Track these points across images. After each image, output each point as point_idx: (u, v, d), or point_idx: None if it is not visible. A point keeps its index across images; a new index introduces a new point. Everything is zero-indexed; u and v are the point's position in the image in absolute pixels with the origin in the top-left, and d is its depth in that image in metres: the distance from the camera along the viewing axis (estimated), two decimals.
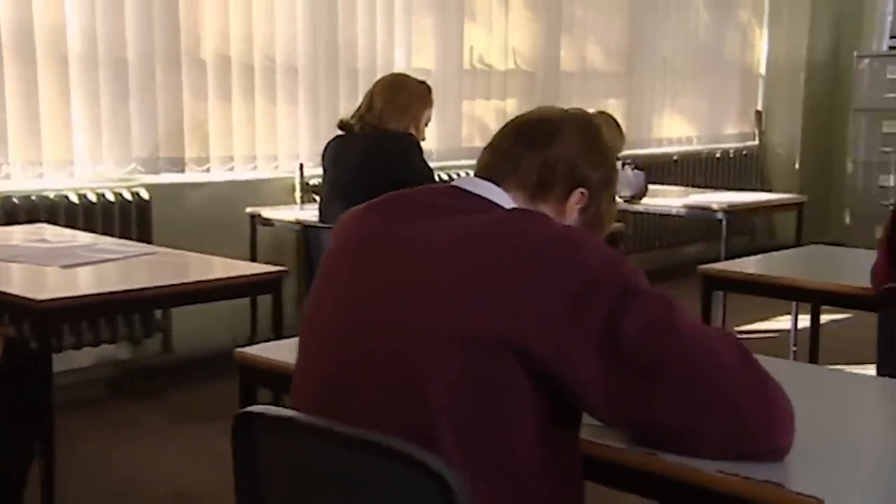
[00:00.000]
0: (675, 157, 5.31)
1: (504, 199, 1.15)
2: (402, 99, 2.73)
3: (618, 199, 3.84)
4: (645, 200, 3.71)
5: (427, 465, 0.89)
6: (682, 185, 5.06)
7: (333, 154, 2.83)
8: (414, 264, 1.04)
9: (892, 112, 5.12)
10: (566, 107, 4.33)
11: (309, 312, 1.12)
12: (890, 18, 5.31)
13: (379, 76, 3.03)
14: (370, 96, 2.78)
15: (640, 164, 5.08)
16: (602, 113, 3.92)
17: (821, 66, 5.79)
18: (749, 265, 2.17)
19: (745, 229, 5.68)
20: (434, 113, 4.34)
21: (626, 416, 1.00)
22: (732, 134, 5.79)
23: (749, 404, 0.97)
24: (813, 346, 2.62)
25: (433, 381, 0.97)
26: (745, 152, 5.73)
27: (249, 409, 1.01)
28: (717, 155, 5.55)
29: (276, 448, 1.01)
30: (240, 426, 1.01)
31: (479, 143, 4.69)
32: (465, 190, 1.15)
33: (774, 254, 2.42)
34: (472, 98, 4.52)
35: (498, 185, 1.17)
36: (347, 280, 1.08)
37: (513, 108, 4.68)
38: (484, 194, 1.14)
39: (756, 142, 5.88)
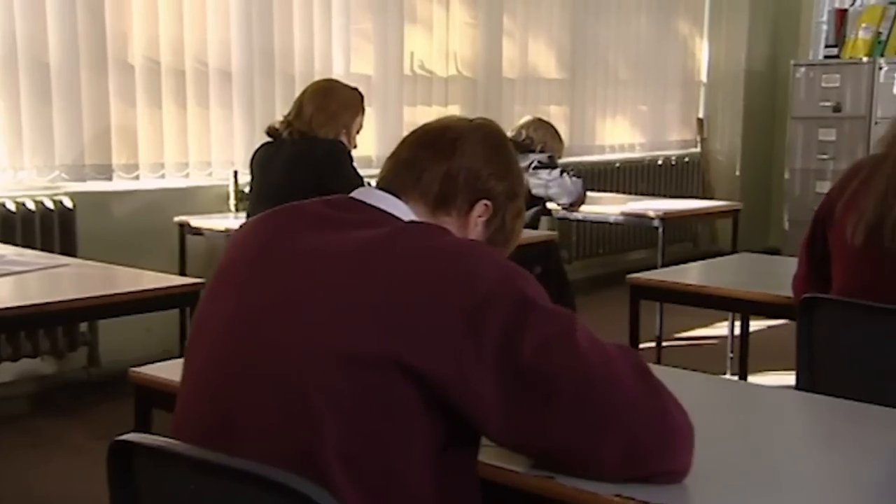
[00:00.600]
0: (617, 164, 5.33)
1: (403, 211, 1.10)
2: (332, 106, 2.68)
3: (556, 206, 3.82)
4: (584, 208, 3.70)
5: (309, 496, 0.84)
6: (624, 192, 5.10)
7: (261, 161, 2.76)
8: (304, 280, 0.99)
9: (827, 120, 5.22)
10: (509, 113, 4.32)
11: (193, 331, 1.06)
12: (825, 28, 5.41)
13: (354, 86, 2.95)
14: (299, 102, 2.72)
15: (581, 171, 5.12)
16: (541, 120, 3.91)
17: (759, 74, 5.88)
18: (676, 274, 2.16)
19: (688, 236, 5.74)
20: (374, 119, 4.36)
21: (523, 438, 0.96)
22: (675, 141, 5.84)
23: (646, 425, 0.94)
24: (742, 355, 2.63)
25: (319, 405, 0.92)
26: (686, 159, 5.78)
27: (124, 437, 0.95)
28: (660, 162, 5.60)
29: (153, 479, 0.95)
30: (114, 455, 0.95)
31: None
32: (363, 202, 1.10)
33: (703, 262, 2.42)
34: (412, 104, 4.47)
35: (399, 197, 1.12)
36: (234, 297, 1.03)
37: (455, 113, 4.66)
38: (382, 206, 1.10)
39: (698, 149, 5.94)
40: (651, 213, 3.49)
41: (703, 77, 5.95)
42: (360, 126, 2.80)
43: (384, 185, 1.15)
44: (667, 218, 3.47)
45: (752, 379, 2.71)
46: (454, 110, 4.65)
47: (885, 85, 5.02)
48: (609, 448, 0.94)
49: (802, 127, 5.30)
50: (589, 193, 4.17)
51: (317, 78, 3.56)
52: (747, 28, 5.75)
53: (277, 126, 2.75)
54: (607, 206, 3.70)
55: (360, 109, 2.76)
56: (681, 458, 0.95)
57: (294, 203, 1.12)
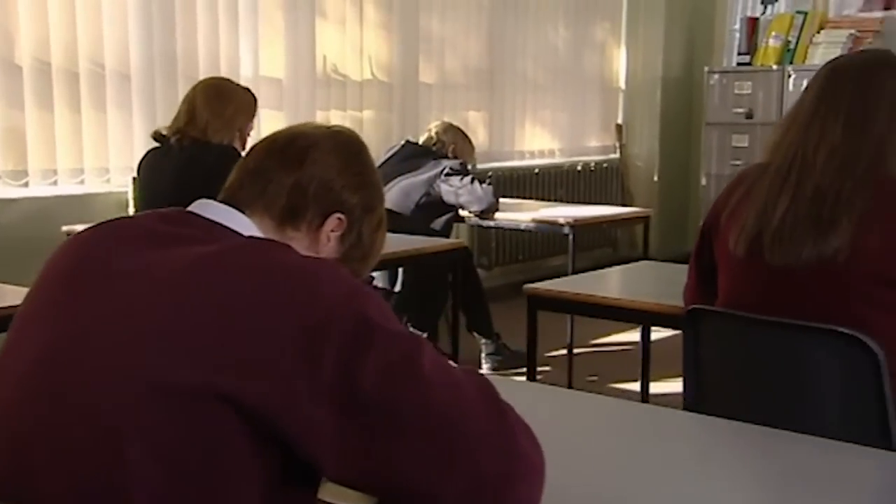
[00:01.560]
0: (536, 171, 5.32)
1: (245, 225, 1.02)
2: (228, 111, 2.56)
3: (468, 214, 3.76)
4: (497, 215, 3.66)
5: None
6: (543, 198, 5.09)
7: (149, 167, 2.63)
8: (120, 303, 0.89)
9: (740, 126, 5.31)
10: (426, 118, 4.19)
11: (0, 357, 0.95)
12: (738, 36, 5.51)
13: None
14: (191, 106, 2.58)
15: (500, 177, 5.10)
16: (451, 124, 3.86)
17: (676, 81, 5.96)
18: (573, 284, 2.12)
19: (607, 241, 5.77)
20: (286, 124, 4.22)
21: (364, 474, 0.88)
22: (594, 147, 5.87)
23: (493, 459, 0.87)
24: (644, 365, 2.62)
25: (130, 443, 0.82)
26: (605, 165, 5.82)
27: None
28: (579, 168, 5.61)
29: None
30: None
31: None
32: (199, 216, 1.01)
33: (604, 271, 2.39)
34: (326, 108, 4.37)
35: (242, 210, 1.04)
36: (46, 319, 0.92)
37: (370, 119, 4.57)
38: (221, 220, 1.01)
39: (617, 155, 5.98)
40: (561, 220, 3.47)
41: (622, 83, 5.99)
42: (251, 129, 2.69)
43: (227, 197, 1.06)
44: (577, 225, 3.45)
45: (657, 387, 2.70)
46: (369, 115, 4.56)
47: (794, 92, 5.12)
48: (455, 484, 0.86)
49: (716, 133, 5.38)
50: (507, 200, 4.14)
51: None
52: (663, 35, 5.82)
53: (164, 131, 2.61)
54: (519, 214, 3.66)
55: (254, 112, 2.65)
56: (529, 494, 0.89)
57: (122, 217, 1.02)
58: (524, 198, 4.97)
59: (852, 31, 5.05)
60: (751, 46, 5.43)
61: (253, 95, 2.69)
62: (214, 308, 0.86)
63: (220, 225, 1.00)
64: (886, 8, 5.14)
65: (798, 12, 5.30)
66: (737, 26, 5.56)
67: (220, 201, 1.05)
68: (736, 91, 5.34)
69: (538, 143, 5.51)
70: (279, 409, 0.84)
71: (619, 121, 6.02)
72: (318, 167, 1.07)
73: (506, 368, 3.84)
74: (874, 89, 1.59)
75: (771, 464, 1.11)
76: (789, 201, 1.58)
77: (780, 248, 1.56)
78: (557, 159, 5.57)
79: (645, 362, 2.59)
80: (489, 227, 4.29)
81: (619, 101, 6.01)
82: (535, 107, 5.46)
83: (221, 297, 0.87)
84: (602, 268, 2.54)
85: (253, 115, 2.65)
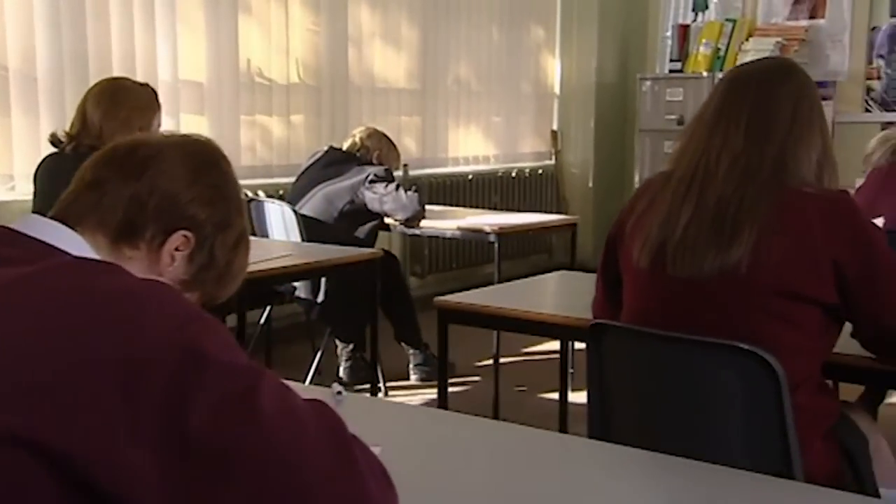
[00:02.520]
0: (470, 177, 5.26)
1: (74, 243, 0.92)
2: (122, 112, 2.42)
3: (392, 222, 3.66)
4: (423, 223, 3.58)
5: None
6: (477, 205, 5.03)
7: (46, 173, 2.48)
8: None
9: (672, 133, 5.32)
10: (357, 123, 4.05)
11: None
12: (670, 42, 5.54)
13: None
14: (82, 112, 2.43)
15: (433, 183, 5.03)
16: (376, 130, 3.77)
17: (610, 87, 5.97)
18: (482, 297, 2.05)
19: (543, 247, 5.74)
20: (207, 129, 4.10)
21: None
22: (529, 153, 5.84)
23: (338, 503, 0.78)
24: (562, 376, 2.56)
25: None
26: (540, 171, 5.79)
27: None
28: (513, 174, 5.57)
29: None
30: None
31: (261, 161, 4.45)
32: (21, 233, 0.91)
33: (520, 281, 2.32)
34: (251, 113, 4.25)
35: (73, 226, 0.94)
36: None
37: (299, 123, 4.46)
38: (47, 238, 0.90)
39: (552, 161, 5.96)
40: (487, 229, 3.41)
41: (557, 89, 5.98)
42: (158, 128, 2.54)
43: (58, 211, 0.96)
44: (502, 233, 3.39)
45: (576, 397, 2.65)
46: (297, 120, 4.45)
47: None
48: None
49: (649, 139, 5.40)
50: (434, 207, 4.07)
51: None
52: (597, 41, 5.83)
53: (62, 137, 2.47)
54: (445, 221, 3.59)
55: (155, 109, 2.50)
56: None
57: None
58: (457, 205, 4.91)
59: (779, 38, 5.12)
60: (682, 53, 5.47)
61: (151, 91, 2.54)
62: (18, 338, 0.76)
63: (45, 243, 0.90)
64: (812, 17, 5.22)
65: (727, 20, 5.35)
66: (668, 33, 5.59)
67: (52, 217, 0.95)
68: (668, 98, 5.37)
69: (472, 150, 5.45)
70: (93, 455, 0.74)
71: (555, 127, 6.00)
72: (161, 179, 0.97)
73: (434, 379, 3.76)
74: (775, 97, 1.56)
75: (658, 497, 1.04)
76: (692, 211, 1.53)
77: (682, 260, 1.51)
78: (492, 166, 5.52)
79: (563, 375, 2.53)
80: (417, 236, 4.22)
81: (554, 107, 6.00)
82: (469, 112, 5.40)
83: (27, 326, 0.77)
84: (536, 274, 2.48)
85: (155, 113, 2.49)
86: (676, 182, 1.58)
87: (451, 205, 4.87)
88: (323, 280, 3.38)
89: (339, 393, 1.29)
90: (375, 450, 1.09)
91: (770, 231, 1.47)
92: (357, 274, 3.16)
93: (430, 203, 4.78)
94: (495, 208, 5.10)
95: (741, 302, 1.47)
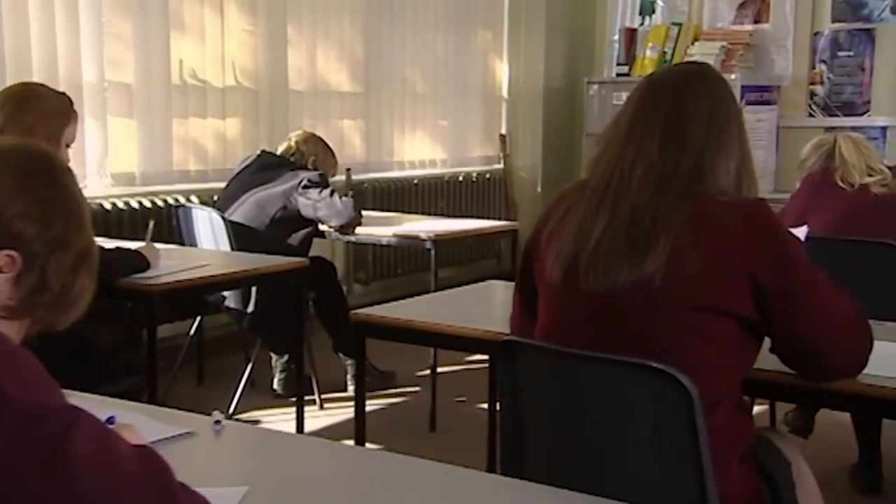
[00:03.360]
0: (416, 181, 5.17)
1: None
2: (28, 118, 2.28)
3: (327, 228, 3.56)
4: (359, 230, 3.48)
5: None
6: (424, 211, 4.94)
7: None
8: None
9: None
10: (296, 127, 3.89)
11: None
12: (617, 46, 5.51)
13: (62, 90, 2.53)
14: None
15: (378, 188, 4.93)
16: (312, 134, 3.67)
17: (558, 91, 5.92)
18: (399, 310, 1.95)
19: (492, 252, 5.67)
20: (137, 132, 3.95)
21: None
22: (477, 157, 5.76)
23: None
24: (491, 392, 2.48)
25: None
26: (488, 176, 5.72)
27: None
28: (461, 178, 5.49)
29: None
30: None
31: (195, 165, 4.31)
32: None
33: (449, 291, 2.23)
34: (184, 116, 4.10)
35: None
36: None
37: (235, 127, 4.33)
38: None
39: (501, 165, 5.90)
40: (423, 235, 3.31)
41: (505, 93, 5.92)
42: (72, 138, 2.41)
43: None
44: (439, 240, 3.30)
45: None
46: (234, 123, 4.32)
47: None
48: None
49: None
50: (373, 213, 3.98)
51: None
52: (544, 45, 5.77)
53: None
54: (381, 228, 3.49)
55: (69, 119, 2.37)
56: None
57: None
58: (403, 211, 4.82)
59: (724, 43, 5.12)
60: (629, 57, 5.44)
61: (67, 100, 2.41)
62: None
63: None
64: (756, 21, 5.23)
65: (674, 24, 5.34)
66: (616, 37, 5.56)
67: None
68: (615, 102, 5.32)
69: (419, 154, 5.36)
70: None
71: (503, 131, 5.94)
72: None
73: (373, 390, 3.65)
74: (691, 103, 1.49)
75: None
76: (606, 222, 1.46)
77: (596, 273, 1.44)
78: (439, 170, 5.44)
79: (491, 390, 2.45)
80: (363, 243, 4.12)
81: (503, 110, 5.93)
82: (416, 116, 5.31)
83: None
84: (482, 280, 2.40)
85: (67, 122, 2.36)
86: (590, 192, 1.51)
87: (397, 210, 4.78)
88: (253, 290, 3.26)
89: (218, 422, 1.19)
90: (241, 490, 0.99)
91: (685, 242, 1.40)
92: (288, 283, 3.05)
93: (376, 209, 4.69)
94: (442, 214, 5.01)
95: (655, 317, 1.40)
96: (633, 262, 1.41)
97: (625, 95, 5.61)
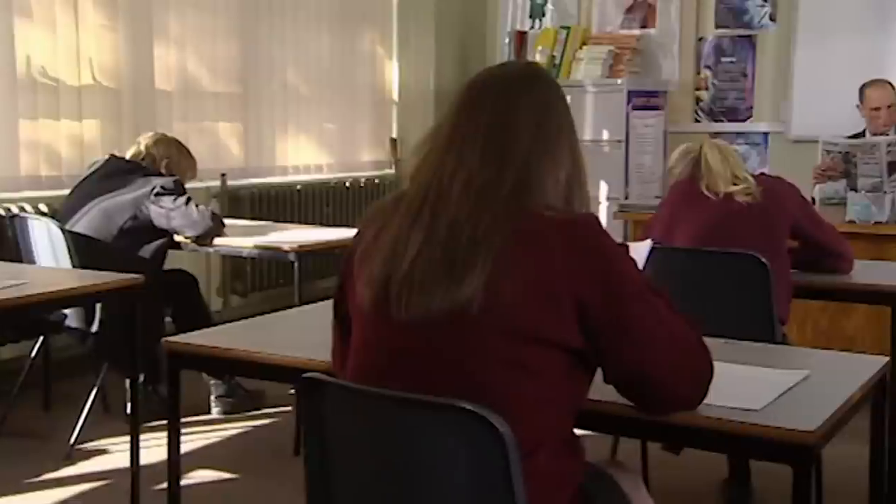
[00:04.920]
0: (298, 187, 4.93)
1: None
2: None
3: (183, 239, 3.29)
4: (218, 241, 3.23)
5: None
6: (305, 219, 4.72)
7: None
8: None
9: None
10: (166, 130, 3.57)
11: None
12: (507, 50, 5.42)
13: None
14: None
15: (257, 194, 4.67)
16: (165, 135, 3.40)
17: (448, 94, 5.76)
18: (216, 336, 1.74)
19: None
20: None
21: None
22: (367, 162, 5.56)
23: None
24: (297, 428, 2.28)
25: None
26: (377, 181, 5.52)
27: None
28: (348, 184, 5.28)
29: None
30: None
31: (46, 171, 3.95)
32: None
33: (283, 313, 2.03)
34: (33, 118, 3.77)
35: None
36: None
37: (94, 130, 4.01)
38: None
39: (393, 170, 5.72)
40: (286, 247, 3.10)
41: (395, 96, 5.74)
42: None
43: None
44: (303, 251, 3.09)
45: None
46: (92, 125, 4.00)
47: None
48: None
49: None
50: (237, 221, 3.74)
51: None
52: (434, 47, 5.62)
53: None
54: (243, 238, 3.25)
55: None
56: None
57: None
58: (285, 219, 4.58)
59: (612, 47, 5.08)
60: (519, 61, 5.35)
61: None
62: None
63: None
64: (643, 26, 5.21)
65: (563, 27, 5.28)
66: (506, 40, 5.46)
67: None
68: None
69: (302, 158, 5.12)
70: None
71: (394, 135, 5.76)
72: None
73: (239, 411, 3.42)
74: (515, 108, 1.34)
75: None
76: (421, 241, 1.29)
77: (409, 300, 1.26)
78: (325, 175, 5.21)
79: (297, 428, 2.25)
80: (241, 256, 3.86)
81: (393, 114, 5.75)
82: (299, 119, 5.07)
83: None
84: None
85: None
86: (406, 206, 1.34)
87: (278, 219, 4.54)
88: (98, 307, 2.98)
89: None
90: None
91: (506, 262, 1.24)
92: (138, 299, 2.79)
93: (254, 217, 4.44)
94: (325, 222, 4.79)
95: (472, 349, 1.24)
96: (449, 285, 1.25)
97: None
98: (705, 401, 1.34)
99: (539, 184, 1.31)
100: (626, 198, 4.75)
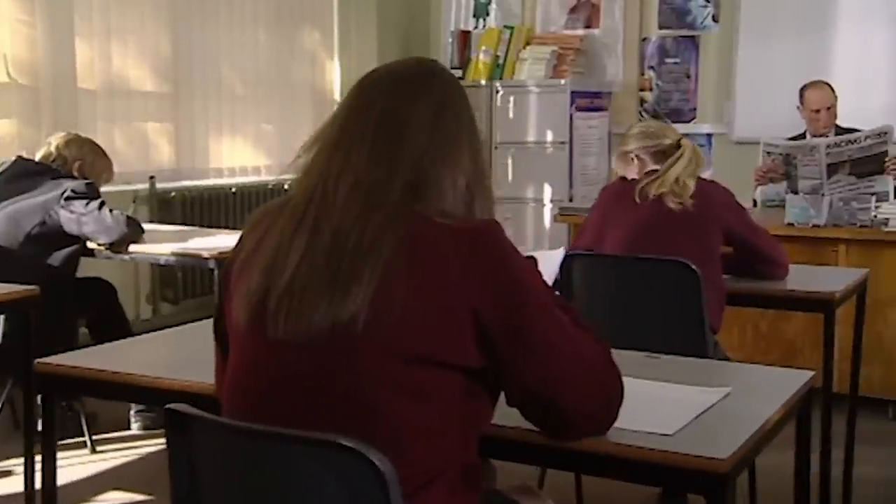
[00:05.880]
0: (233, 190, 4.76)
1: None
2: None
3: (96, 246, 3.09)
4: (136, 248, 3.06)
5: None
6: (237, 224, 4.55)
7: None
8: None
9: None
10: (90, 131, 3.33)
11: None
12: (450, 50, 5.30)
13: None
14: None
15: (189, 197, 4.49)
16: (78, 135, 3.21)
17: None
18: (93, 358, 1.59)
19: None
20: None
21: None
22: None
23: None
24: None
25: None
26: None
27: None
28: (287, 186, 5.09)
29: None
30: None
31: None
32: None
33: (170, 331, 1.87)
34: None
35: None
36: None
37: (10, 129, 3.81)
38: None
39: None
40: (205, 254, 2.94)
41: (337, 96, 5.59)
42: None
43: None
44: (224, 258, 2.93)
45: None
46: (7, 125, 3.80)
47: (501, 108, 4.99)
48: None
49: None
50: (181, 228, 3.58)
51: None
52: (377, 46, 5.49)
53: None
54: (161, 245, 3.08)
55: None
56: None
57: None
58: (219, 224, 4.41)
59: (555, 47, 5.00)
60: (463, 61, 5.25)
61: None
62: None
63: None
64: (588, 26, 5.14)
65: (506, 27, 5.18)
66: (449, 39, 5.35)
67: None
68: None
69: (238, 160, 4.95)
70: None
71: None
72: None
73: (160, 427, 3.24)
74: (409, 105, 1.22)
75: None
76: (304, 249, 1.16)
77: (287, 316, 1.14)
78: (263, 177, 5.04)
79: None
80: (170, 264, 3.69)
81: None
82: (234, 119, 4.90)
83: None
84: None
85: None
86: (291, 211, 1.21)
87: (211, 223, 4.37)
88: (1, 318, 2.79)
89: None
90: None
91: (395, 274, 1.12)
92: (51, 308, 2.62)
93: (185, 221, 4.26)
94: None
95: (357, 371, 1.11)
96: (331, 300, 1.13)
97: None
98: (617, 424, 1.24)
99: (435, 188, 1.19)
100: (571, 200, 4.67)
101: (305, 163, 1.26)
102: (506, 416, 1.23)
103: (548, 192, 4.91)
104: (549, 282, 1.44)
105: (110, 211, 2.98)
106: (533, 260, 1.29)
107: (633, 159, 2.35)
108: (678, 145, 2.32)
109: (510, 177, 4.99)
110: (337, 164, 1.21)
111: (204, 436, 1.14)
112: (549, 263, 1.50)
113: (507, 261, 1.17)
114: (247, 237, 1.25)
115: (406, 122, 1.21)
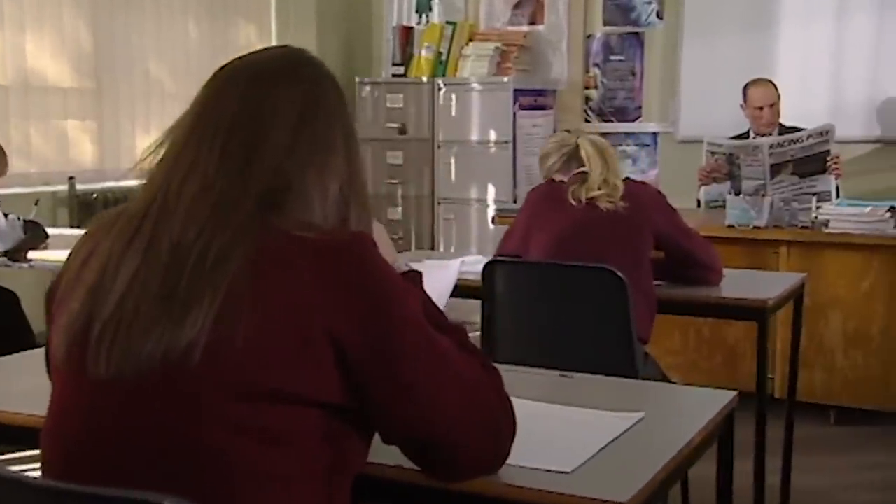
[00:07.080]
0: None
1: None
2: None
3: None
4: (36, 254, 2.85)
5: None
6: None
7: None
8: None
9: (395, 142, 4.93)
10: (2, 129, 2.98)
11: None
12: (391, 46, 5.14)
13: None
14: None
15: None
16: None
17: None
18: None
19: None
20: None
21: None
22: None
23: None
24: None
25: None
26: None
27: None
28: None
29: None
30: None
31: None
32: None
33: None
34: None
35: None
36: None
37: None
38: None
39: None
40: None
41: None
42: None
43: None
44: None
45: None
46: None
47: (444, 106, 4.84)
48: None
49: (371, 149, 4.95)
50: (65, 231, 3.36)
51: None
52: (316, 42, 5.29)
53: None
54: (63, 252, 2.87)
55: None
56: None
57: None
58: None
59: (499, 44, 4.86)
60: (405, 57, 5.08)
61: None
62: None
63: None
64: (532, 22, 5.02)
65: (448, 23, 5.03)
66: (390, 35, 5.19)
67: None
68: (389, 104, 4.96)
69: None
70: None
71: None
72: None
73: None
74: (272, 99, 1.06)
75: None
76: (136, 268, 1.00)
77: (109, 349, 0.97)
78: None
79: None
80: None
81: None
82: (163, 117, 4.67)
83: None
84: None
85: None
86: (125, 222, 1.04)
87: None
88: None
89: None
90: None
91: (241, 296, 0.96)
92: None
93: None
94: None
95: (191, 410, 0.95)
96: (166, 328, 0.96)
97: (401, 97, 5.21)
98: (511, 461, 1.09)
99: (300, 196, 1.04)
100: (515, 201, 4.53)
101: (150, 166, 1.10)
102: (385, 453, 1.08)
103: (491, 192, 4.78)
104: (442, 299, 1.29)
105: (6, 215, 2.76)
106: (417, 276, 1.14)
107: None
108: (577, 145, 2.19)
109: (453, 176, 4.85)
110: (182, 167, 1.04)
111: (5, 495, 0.96)
112: (442, 278, 1.34)
113: (375, 280, 1.01)
114: (75, 254, 1.08)
115: (266, 119, 1.05)
